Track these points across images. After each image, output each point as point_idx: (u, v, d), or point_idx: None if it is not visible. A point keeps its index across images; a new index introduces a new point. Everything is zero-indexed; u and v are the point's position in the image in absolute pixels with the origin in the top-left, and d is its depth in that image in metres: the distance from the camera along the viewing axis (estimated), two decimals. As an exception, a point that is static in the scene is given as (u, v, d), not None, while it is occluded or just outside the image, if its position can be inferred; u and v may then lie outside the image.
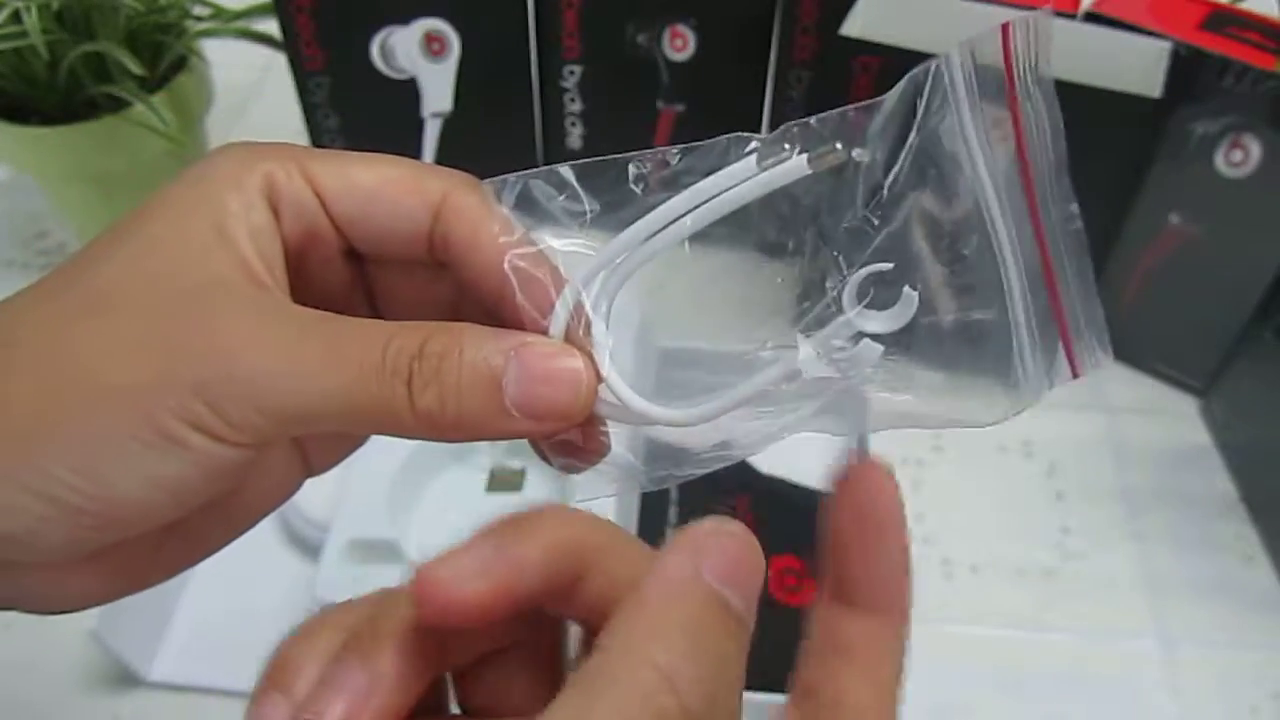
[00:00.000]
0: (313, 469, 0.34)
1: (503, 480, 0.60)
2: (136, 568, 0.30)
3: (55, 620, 0.59)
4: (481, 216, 0.29)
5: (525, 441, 0.30)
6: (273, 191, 0.28)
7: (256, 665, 0.27)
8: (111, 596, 0.30)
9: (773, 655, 0.62)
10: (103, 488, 0.25)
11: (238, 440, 0.26)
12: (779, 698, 0.51)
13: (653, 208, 0.28)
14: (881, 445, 0.66)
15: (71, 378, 0.25)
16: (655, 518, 0.65)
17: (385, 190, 0.29)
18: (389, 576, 0.54)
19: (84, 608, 0.30)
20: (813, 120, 0.28)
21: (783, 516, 0.65)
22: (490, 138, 0.79)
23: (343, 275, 0.31)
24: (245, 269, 0.27)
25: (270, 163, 0.28)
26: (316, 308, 0.27)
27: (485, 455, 0.61)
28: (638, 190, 0.29)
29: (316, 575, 0.54)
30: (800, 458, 0.68)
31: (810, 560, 0.62)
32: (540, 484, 0.60)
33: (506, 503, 0.60)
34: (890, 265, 0.28)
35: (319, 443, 0.33)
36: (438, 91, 0.76)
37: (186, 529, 0.30)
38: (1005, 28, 0.26)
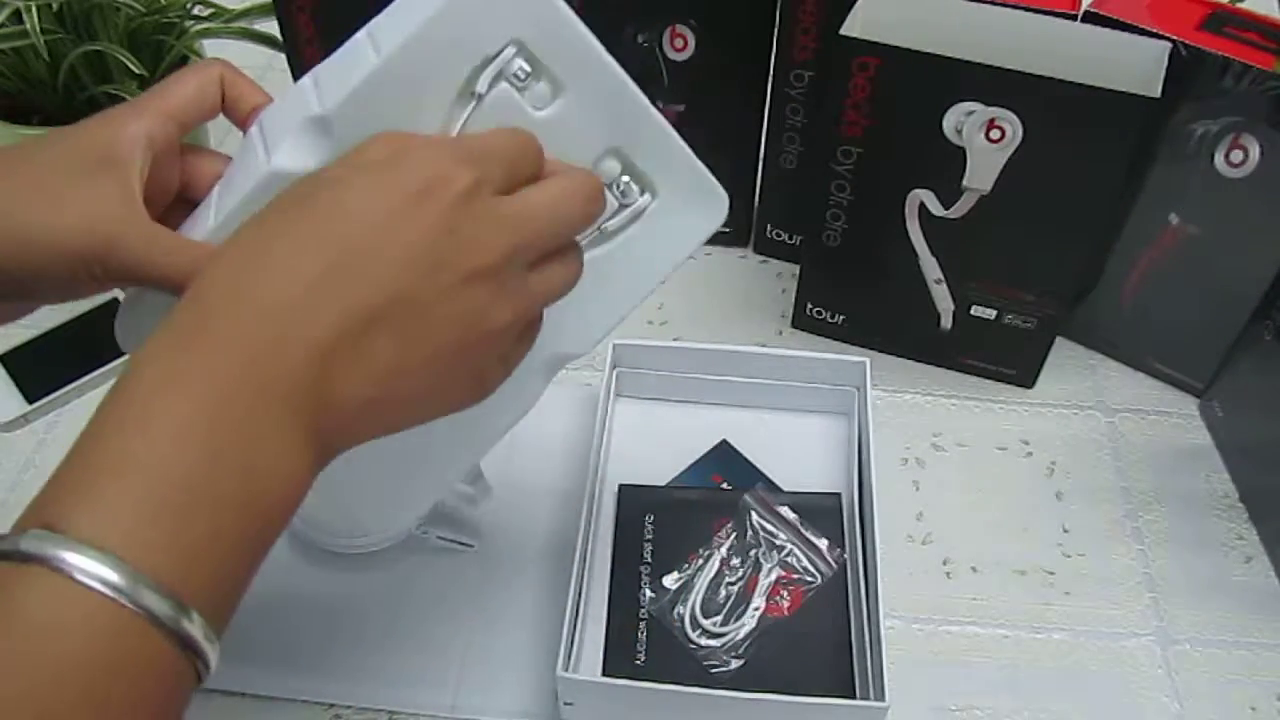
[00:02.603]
0: None
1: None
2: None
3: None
4: None
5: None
6: None
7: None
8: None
9: (768, 659, 0.62)
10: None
11: None
12: (776, 697, 0.51)
13: None
14: (882, 445, 0.66)
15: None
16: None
17: None
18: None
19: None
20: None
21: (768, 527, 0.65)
22: (490, 138, 0.79)
23: None
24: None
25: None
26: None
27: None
28: None
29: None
30: (799, 462, 0.69)
31: (798, 566, 0.62)
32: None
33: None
34: None
35: None
36: (438, 91, 0.76)
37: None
38: None
